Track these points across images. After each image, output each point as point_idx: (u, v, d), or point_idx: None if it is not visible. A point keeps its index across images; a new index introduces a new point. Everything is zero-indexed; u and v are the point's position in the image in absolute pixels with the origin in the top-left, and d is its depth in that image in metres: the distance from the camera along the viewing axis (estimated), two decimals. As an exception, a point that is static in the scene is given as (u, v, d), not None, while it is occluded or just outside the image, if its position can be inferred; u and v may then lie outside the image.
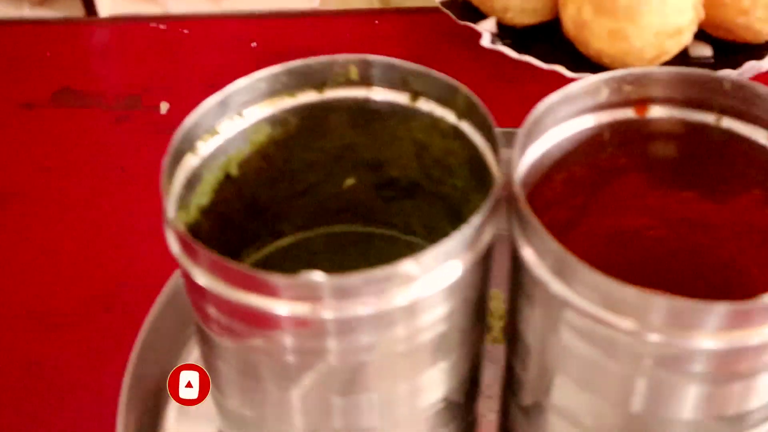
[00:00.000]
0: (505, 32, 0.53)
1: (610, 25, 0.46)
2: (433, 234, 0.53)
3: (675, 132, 0.48)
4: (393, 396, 0.45)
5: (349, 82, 0.49)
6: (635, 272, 0.50)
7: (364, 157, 0.52)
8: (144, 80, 0.80)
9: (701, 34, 0.51)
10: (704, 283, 0.53)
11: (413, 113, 0.49)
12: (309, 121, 0.50)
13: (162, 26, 0.84)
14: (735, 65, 0.51)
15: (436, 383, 0.46)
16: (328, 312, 0.39)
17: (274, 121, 0.49)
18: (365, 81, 0.49)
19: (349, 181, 0.53)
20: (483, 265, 0.43)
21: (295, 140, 0.50)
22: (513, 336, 0.46)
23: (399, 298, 0.39)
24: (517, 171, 0.43)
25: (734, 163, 0.48)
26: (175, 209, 0.44)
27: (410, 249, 0.54)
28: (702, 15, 0.48)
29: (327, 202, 0.54)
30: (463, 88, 0.47)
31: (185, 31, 0.85)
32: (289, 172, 0.52)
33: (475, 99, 0.45)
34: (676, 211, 0.52)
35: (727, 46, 0.51)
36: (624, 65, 0.47)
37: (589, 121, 0.48)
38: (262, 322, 0.40)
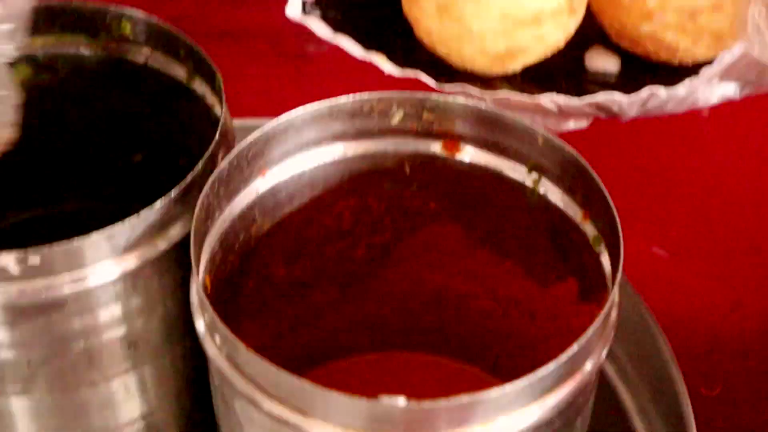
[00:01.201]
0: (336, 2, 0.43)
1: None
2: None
3: (491, 184, 0.42)
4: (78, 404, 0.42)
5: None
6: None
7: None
8: None
9: (613, 46, 0.41)
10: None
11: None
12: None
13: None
14: (635, 84, 0.40)
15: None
16: None
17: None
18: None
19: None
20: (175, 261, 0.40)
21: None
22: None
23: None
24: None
25: (554, 240, 0.41)
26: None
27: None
28: (579, 8, 0.39)
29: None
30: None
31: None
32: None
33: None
34: (502, 284, 0.45)
35: (643, 64, 0.40)
36: (462, 58, 0.38)
37: (382, 145, 0.42)
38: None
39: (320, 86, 0.71)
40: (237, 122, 0.50)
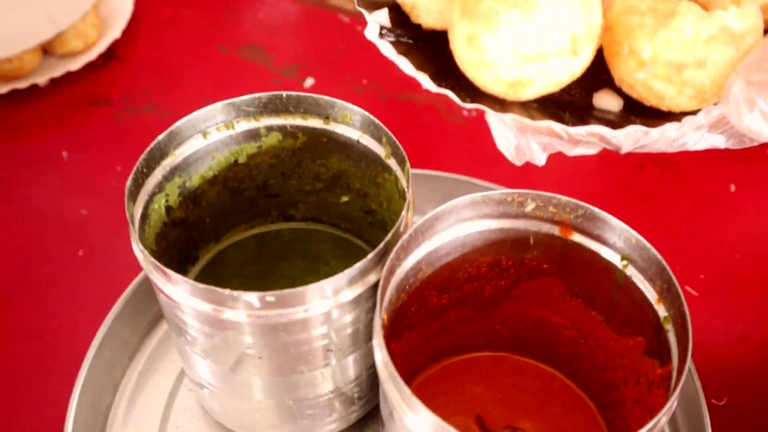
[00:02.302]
0: (413, 30, 0.41)
1: (468, 29, 0.36)
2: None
3: (591, 260, 0.46)
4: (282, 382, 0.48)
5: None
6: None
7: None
8: (303, 57, 0.82)
9: (616, 89, 0.39)
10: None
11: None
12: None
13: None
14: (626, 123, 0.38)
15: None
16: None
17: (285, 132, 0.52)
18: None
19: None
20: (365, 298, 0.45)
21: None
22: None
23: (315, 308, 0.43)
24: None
25: (631, 308, 0.45)
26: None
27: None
28: (581, 51, 0.37)
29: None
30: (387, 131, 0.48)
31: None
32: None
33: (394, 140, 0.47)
34: (586, 324, 0.50)
35: (642, 108, 0.38)
36: (483, 82, 0.37)
37: (516, 224, 0.47)
38: (213, 322, 0.44)
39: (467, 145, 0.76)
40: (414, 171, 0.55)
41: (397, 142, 0.48)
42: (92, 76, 0.79)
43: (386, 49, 0.39)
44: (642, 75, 0.36)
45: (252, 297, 0.42)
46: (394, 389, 0.40)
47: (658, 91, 0.36)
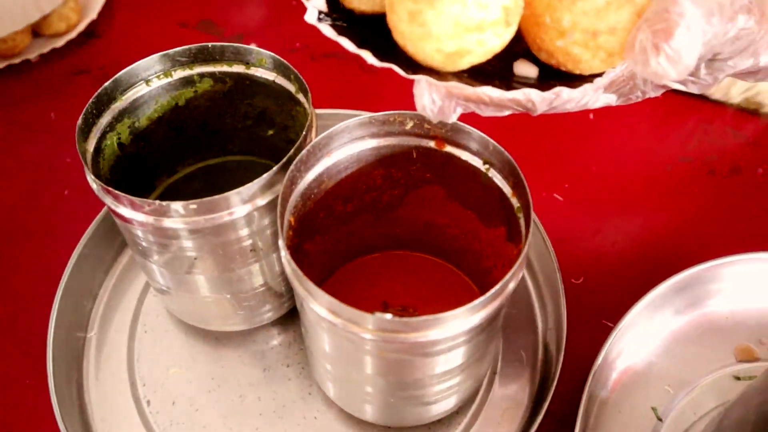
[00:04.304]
0: (344, 14, 0.35)
1: (411, 6, 0.32)
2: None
3: (462, 167, 0.44)
4: (221, 279, 0.45)
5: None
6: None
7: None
8: (249, 26, 0.78)
9: (533, 59, 0.35)
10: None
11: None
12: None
13: None
14: (544, 87, 0.34)
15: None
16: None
17: (215, 78, 0.48)
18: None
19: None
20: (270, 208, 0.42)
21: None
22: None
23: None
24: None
25: (496, 203, 0.43)
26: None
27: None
28: (512, 23, 0.33)
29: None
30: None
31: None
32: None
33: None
34: (464, 221, 0.47)
35: (556, 72, 0.34)
36: (425, 55, 0.33)
37: (401, 141, 0.44)
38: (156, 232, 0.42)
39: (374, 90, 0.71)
40: (320, 111, 0.51)
41: (302, 78, 0.45)
42: (74, 52, 0.74)
43: (327, 30, 0.33)
44: (562, 42, 0.32)
45: (178, 205, 0.39)
46: (296, 281, 0.37)
47: (576, 56, 0.33)
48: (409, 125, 0.43)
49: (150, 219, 0.41)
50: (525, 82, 0.34)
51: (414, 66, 0.33)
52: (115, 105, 0.46)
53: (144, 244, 0.44)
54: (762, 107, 0.69)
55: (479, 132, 0.42)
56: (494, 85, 0.33)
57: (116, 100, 0.46)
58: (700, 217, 0.60)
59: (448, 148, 0.43)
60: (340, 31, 0.34)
